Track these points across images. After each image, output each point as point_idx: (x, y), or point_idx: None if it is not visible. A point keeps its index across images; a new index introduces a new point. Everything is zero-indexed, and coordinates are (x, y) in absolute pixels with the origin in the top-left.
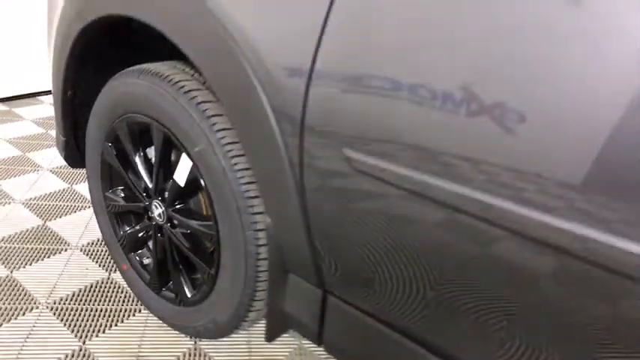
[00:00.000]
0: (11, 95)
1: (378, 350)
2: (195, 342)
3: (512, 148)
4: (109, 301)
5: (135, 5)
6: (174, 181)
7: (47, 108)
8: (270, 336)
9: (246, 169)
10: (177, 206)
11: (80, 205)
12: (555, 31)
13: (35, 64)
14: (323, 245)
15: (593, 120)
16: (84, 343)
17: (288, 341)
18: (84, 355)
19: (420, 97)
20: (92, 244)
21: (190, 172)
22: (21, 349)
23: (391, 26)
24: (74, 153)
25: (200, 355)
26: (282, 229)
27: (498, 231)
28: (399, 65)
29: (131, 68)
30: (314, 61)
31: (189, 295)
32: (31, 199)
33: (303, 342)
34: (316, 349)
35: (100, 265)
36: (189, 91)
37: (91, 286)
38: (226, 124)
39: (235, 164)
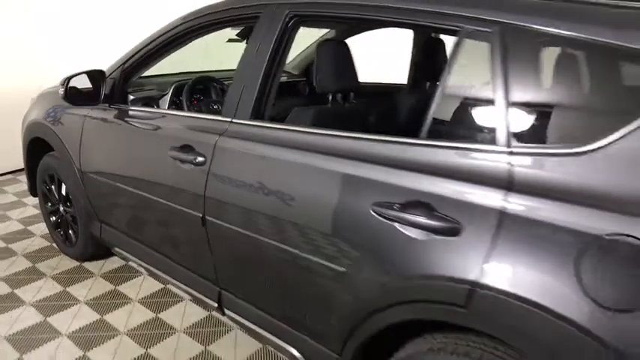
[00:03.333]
0: None
1: (124, 241)
2: (80, 264)
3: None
4: (50, 252)
5: (39, 134)
6: (63, 195)
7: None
8: (94, 245)
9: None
10: (67, 204)
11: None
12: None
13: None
14: (95, 207)
15: None
16: (34, 264)
17: (118, 262)
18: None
19: (109, 163)
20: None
21: (67, 191)
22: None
23: (94, 147)
24: (33, 189)
25: (82, 268)
26: (85, 204)
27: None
28: (98, 158)
29: (47, 154)
30: (79, 152)
31: (74, 240)
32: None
33: (130, 263)
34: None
35: (51, 244)
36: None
37: (46, 247)
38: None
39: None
